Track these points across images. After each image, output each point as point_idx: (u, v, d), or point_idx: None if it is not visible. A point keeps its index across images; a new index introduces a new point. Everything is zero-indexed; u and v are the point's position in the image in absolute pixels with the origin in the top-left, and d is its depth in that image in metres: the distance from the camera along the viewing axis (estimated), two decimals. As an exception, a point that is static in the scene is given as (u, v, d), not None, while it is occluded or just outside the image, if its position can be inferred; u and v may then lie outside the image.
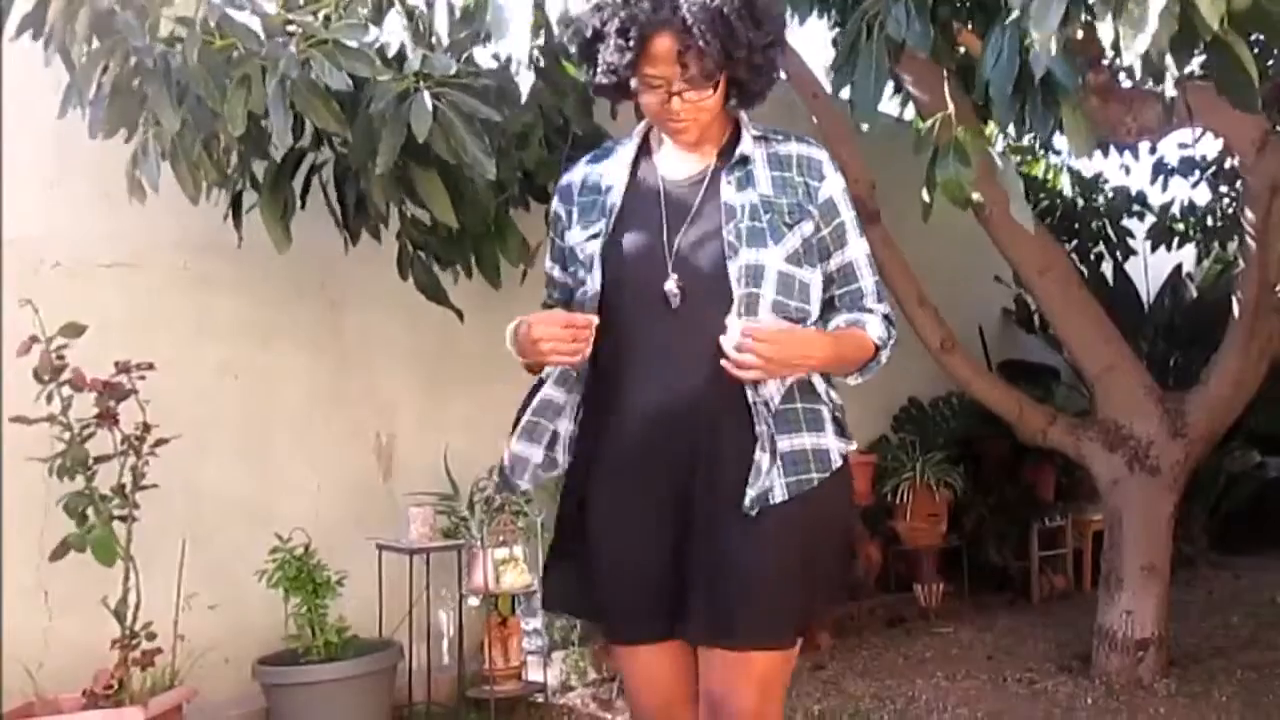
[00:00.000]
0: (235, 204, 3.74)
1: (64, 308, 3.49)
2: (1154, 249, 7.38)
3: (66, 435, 3.42)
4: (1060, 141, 6.36)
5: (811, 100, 4.56)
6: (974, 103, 3.72)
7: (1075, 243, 7.22)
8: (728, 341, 1.96)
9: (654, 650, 2.14)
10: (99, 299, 3.85)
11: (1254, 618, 5.73)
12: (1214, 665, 4.85)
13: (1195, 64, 3.12)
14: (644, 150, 2.20)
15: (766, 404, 2.04)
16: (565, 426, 2.19)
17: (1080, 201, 7.50)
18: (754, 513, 2.02)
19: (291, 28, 2.96)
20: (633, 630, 2.16)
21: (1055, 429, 4.91)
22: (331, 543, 4.09)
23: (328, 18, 3.06)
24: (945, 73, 3.31)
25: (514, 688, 4.38)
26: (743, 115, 2.17)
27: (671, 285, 2.05)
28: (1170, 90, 3.00)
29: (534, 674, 4.52)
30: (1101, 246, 7.32)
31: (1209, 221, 7.46)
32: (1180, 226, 7.44)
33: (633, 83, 2.03)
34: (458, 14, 3.14)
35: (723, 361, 1.96)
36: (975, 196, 3.05)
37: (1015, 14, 2.49)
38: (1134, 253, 7.34)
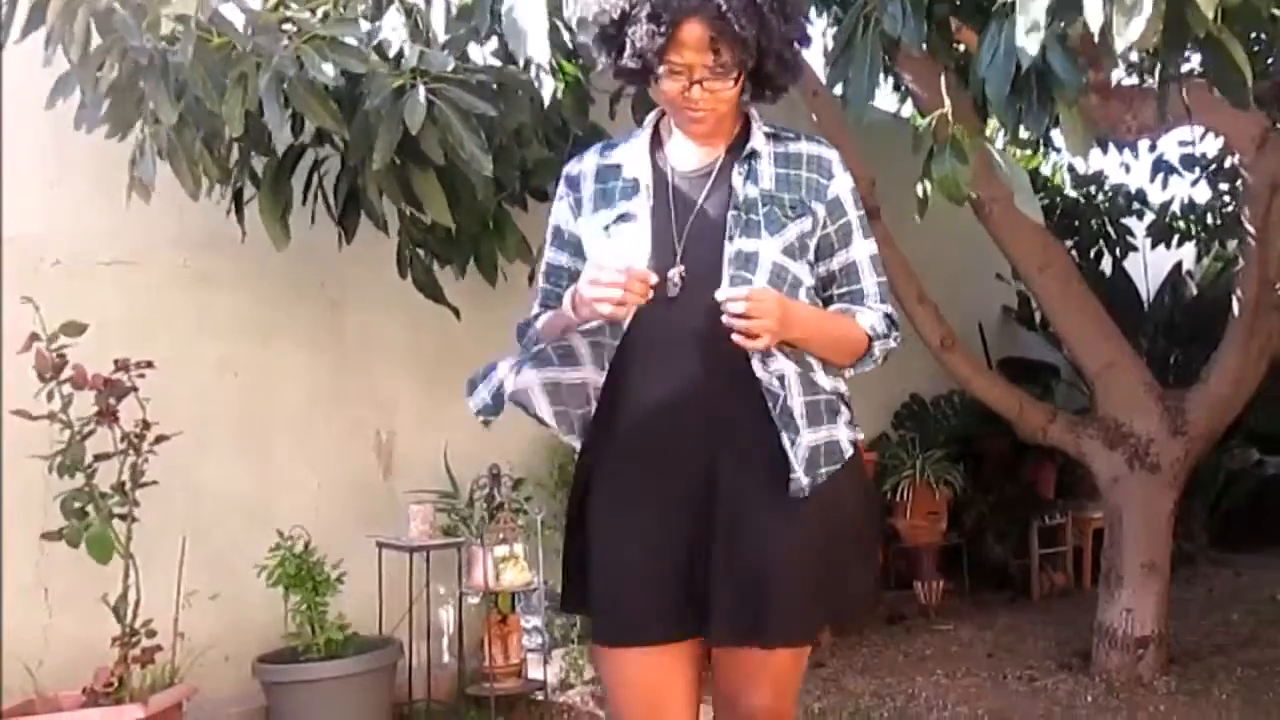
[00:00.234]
0: (237, 200, 3.75)
1: (64, 305, 3.50)
2: (1154, 246, 7.38)
3: (66, 433, 3.43)
4: (1059, 138, 6.36)
5: (811, 98, 4.55)
6: (973, 100, 3.73)
7: (1075, 240, 7.22)
8: (720, 294, 1.96)
9: (655, 653, 2.07)
10: (99, 297, 3.85)
11: (1254, 615, 5.73)
12: (1214, 663, 4.85)
13: (1193, 63, 3.13)
14: (655, 141, 2.19)
15: (781, 379, 2.03)
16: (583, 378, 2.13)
17: (1080, 199, 7.50)
18: (801, 495, 2.02)
19: (287, 25, 2.96)
20: (640, 631, 2.07)
21: (1055, 427, 4.91)
22: (331, 540, 4.09)
23: (326, 14, 3.06)
24: (943, 70, 3.31)
25: (514, 685, 4.38)
26: (753, 111, 2.18)
27: (675, 274, 2.04)
28: (1157, 85, 2.99)
29: (534, 671, 4.52)
30: (1101, 244, 7.32)
31: (1209, 219, 7.46)
32: (1180, 224, 7.44)
33: (661, 69, 2.01)
34: (454, 11, 3.14)
35: (726, 320, 1.94)
36: (972, 195, 3.05)
37: (1006, 3, 2.50)
38: (1134, 250, 7.34)
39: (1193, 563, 6.73)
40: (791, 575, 2.03)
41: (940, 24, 3.06)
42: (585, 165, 2.23)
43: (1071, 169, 7.70)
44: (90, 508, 3.43)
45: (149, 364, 3.55)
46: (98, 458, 3.48)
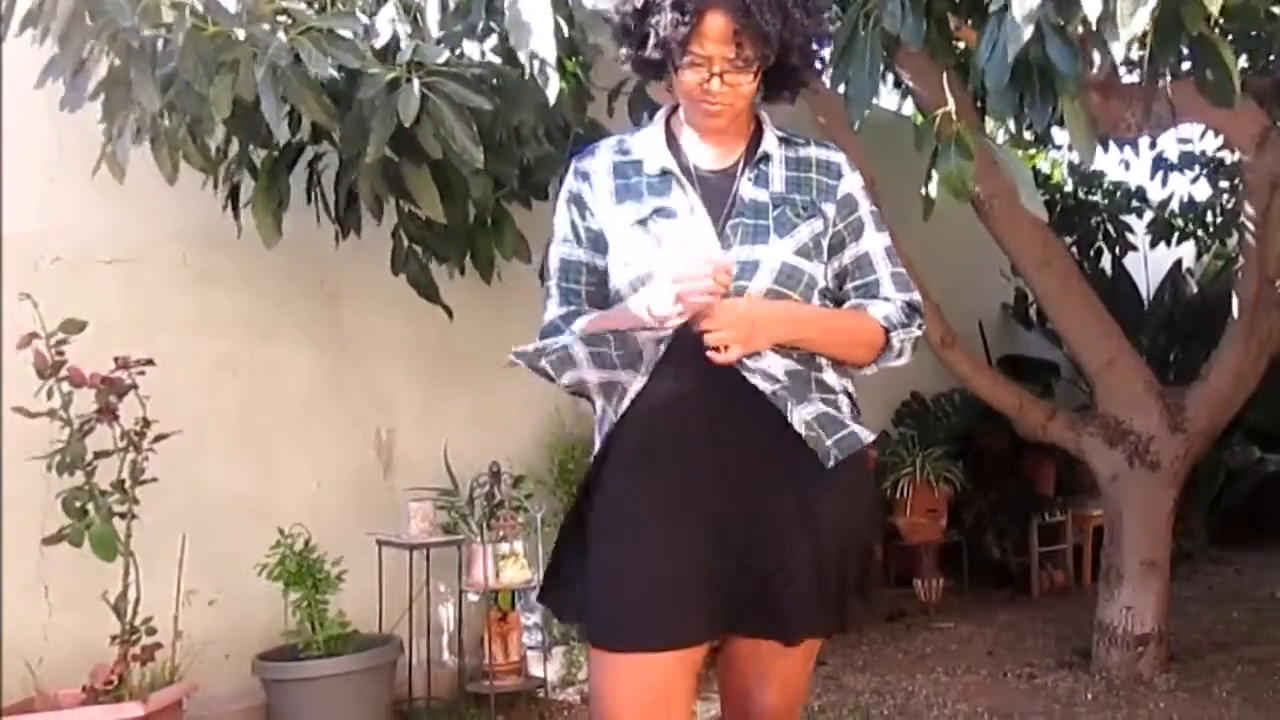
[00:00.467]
0: (233, 195, 3.74)
1: (64, 303, 3.50)
2: (1153, 245, 7.38)
3: (66, 431, 3.43)
4: (1059, 135, 6.36)
5: (813, 96, 4.55)
6: (972, 98, 3.73)
7: (1074, 238, 7.23)
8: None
9: (669, 658, 2.00)
10: (99, 294, 3.85)
11: (1254, 613, 5.73)
12: (1214, 660, 4.85)
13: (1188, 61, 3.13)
14: (669, 138, 2.16)
15: (765, 374, 2.02)
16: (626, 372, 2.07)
17: (1080, 196, 7.50)
18: (831, 464, 2.01)
19: (282, 17, 2.95)
20: (660, 634, 1.99)
21: (1055, 424, 4.91)
22: (331, 538, 4.08)
23: (323, 6, 3.05)
24: (944, 68, 3.31)
25: (514, 683, 4.39)
26: (764, 114, 2.17)
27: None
28: (1144, 83, 2.99)
29: (534, 669, 4.52)
30: (1101, 242, 7.32)
31: (1208, 217, 7.46)
32: (1180, 222, 7.44)
33: (683, 59, 1.99)
34: (451, 6, 3.14)
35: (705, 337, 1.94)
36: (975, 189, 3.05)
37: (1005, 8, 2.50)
38: (1133, 248, 7.34)
39: (1193, 560, 6.74)
40: (809, 571, 2.02)
41: (940, 21, 3.05)
42: (599, 160, 2.18)
43: (1072, 166, 7.70)
44: (90, 506, 3.43)
45: (149, 361, 3.55)
46: (98, 455, 3.48)
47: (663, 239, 2.04)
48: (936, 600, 5.91)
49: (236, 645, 4.01)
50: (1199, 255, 7.93)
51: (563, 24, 2.94)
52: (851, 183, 2.15)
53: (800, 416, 2.01)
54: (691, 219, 2.05)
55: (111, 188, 3.39)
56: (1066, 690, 4.52)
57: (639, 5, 2.01)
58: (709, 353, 1.94)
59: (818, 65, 2.11)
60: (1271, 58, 4.93)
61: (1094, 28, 2.34)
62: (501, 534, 4.31)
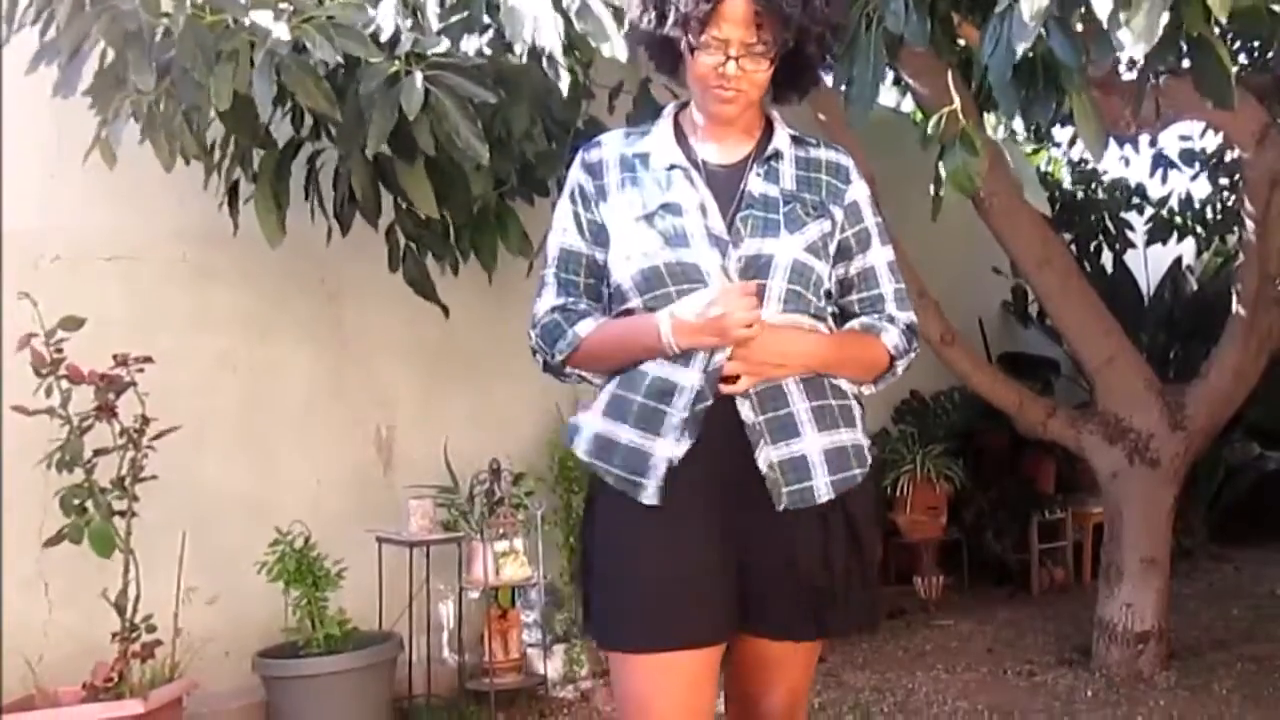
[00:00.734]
0: (232, 193, 3.74)
1: (64, 301, 3.49)
2: (1151, 243, 7.38)
3: (65, 428, 3.42)
4: (1059, 133, 6.36)
5: (815, 93, 4.55)
6: (973, 95, 3.73)
7: (1074, 235, 7.22)
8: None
9: (695, 657, 2.01)
10: (98, 292, 3.85)
11: (1254, 610, 5.73)
12: (1214, 658, 4.86)
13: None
14: (678, 134, 2.15)
15: (746, 396, 2.00)
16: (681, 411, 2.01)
17: (1079, 194, 7.50)
18: (795, 509, 2.00)
19: (285, 5, 2.93)
20: (688, 633, 2.00)
21: (1055, 422, 4.91)
22: (331, 535, 4.08)
23: (322, -1, 3.04)
24: (948, 65, 3.30)
25: (514, 680, 4.39)
26: (775, 113, 2.17)
27: (730, 266, 2.02)
28: (1137, 82, 2.98)
29: (534, 666, 4.52)
30: (1101, 239, 7.32)
31: (1208, 214, 7.46)
32: (1180, 219, 7.44)
33: (702, 37, 1.98)
34: (449, 0, 3.13)
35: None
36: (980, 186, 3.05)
37: (1010, 6, 2.50)
38: (1133, 245, 7.34)
39: (1193, 557, 6.74)
40: (818, 570, 2.03)
41: (943, 20, 3.04)
42: (607, 153, 2.16)
43: (1071, 163, 7.69)
44: (90, 503, 3.43)
45: (148, 359, 3.55)
46: (97, 453, 3.48)
47: (668, 235, 2.03)
48: (936, 597, 5.91)
49: (236, 642, 4.01)
50: (1199, 252, 7.92)
51: (559, 20, 2.92)
52: (859, 190, 2.15)
53: (766, 458, 2.00)
54: (688, 216, 2.04)
55: (111, 185, 3.39)
56: (1066, 687, 4.52)
57: None
58: (720, 385, 1.96)
59: (832, 57, 2.10)
60: (1271, 55, 4.93)
61: (1104, 26, 2.34)
62: (501, 531, 4.31)
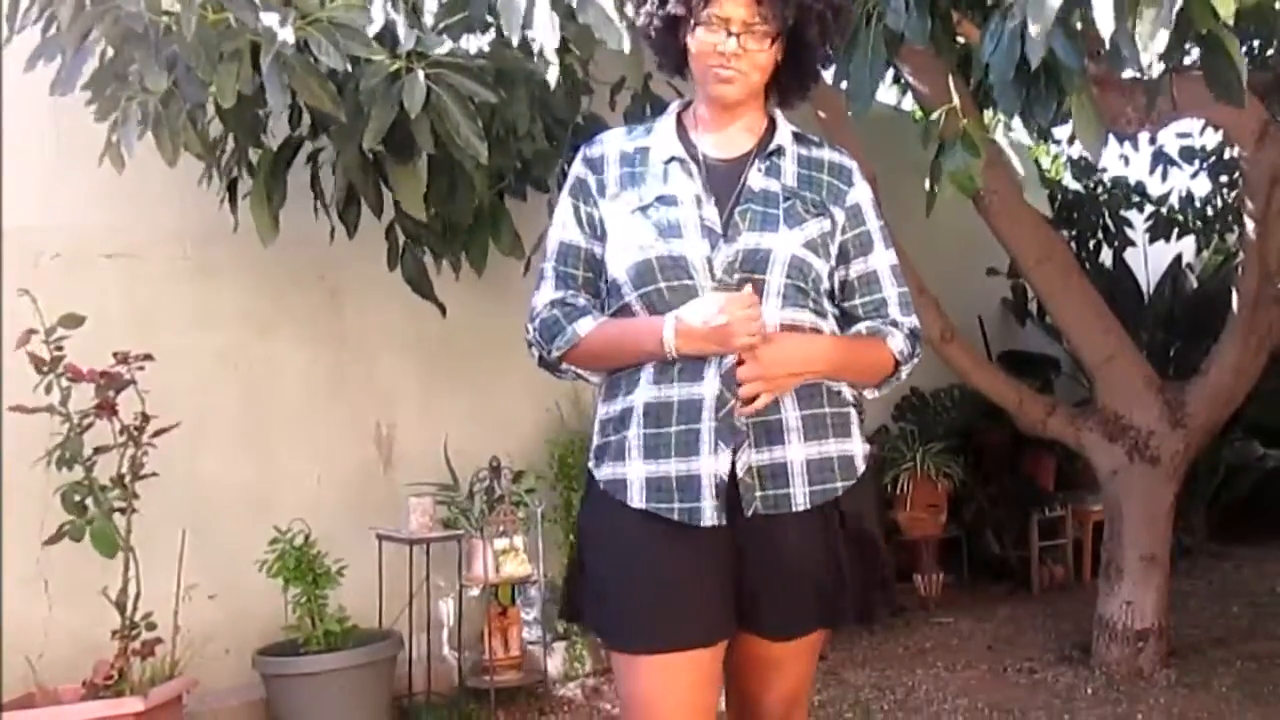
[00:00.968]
0: (231, 190, 3.74)
1: (64, 298, 3.49)
2: (1152, 240, 7.38)
3: (65, 426, 3.42)
4: (1059, 131, 6.36)
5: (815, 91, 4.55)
6: (973, 93, 3.72)
7: (1074, 233, 7.22)
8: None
9: (697, 657, 2.01)
10: (99, 289, 3.86)
11: (1254, 608, 5.73)
12: (1214, 655, 4.85)
13: (1192, 55, 3.12)
14: (680, 131, 2.15)
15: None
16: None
17: (1079, 191, 7.49)
18: (749, 514, 1.99)
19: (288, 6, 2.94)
20: (688, 634, 2.01)
21: (1055, 419, 4.91)
22: (331, 533, 4.09)
23: (325, -1, 3.03)
24: (948, 64, 3.30)
25: (514, 677, 4.39)
26: (778, 112, 2.16)
27: (722, 260, 2.02)
28: (1145, 79, 2.99)
29: (534, 664, 4.52)
30: (1100, 236, 7.31)
31: (1208, 212, 7.45)
32: (1180, 217, 7.43)
33: (704, 12, 1.98)
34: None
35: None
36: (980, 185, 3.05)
37: (1011, 6, 2.49)
38: (1133, 243, 7.33)
39: (1193, 555, 6.74)
40: (814, 567, 2.03)
41: (943, 18, 3.04)
42: (608, 148, 2.17)
43: (1071, 161, 7.69)
44: (90, 501, 3.43)
45: (148, 357, 3.55)
46: (97, 450, 3.48)
47: (661, 226, 2.02)
48: (936, 595, 5.91)
49: (236, 640, 4.01)
50: (1199, 250, 7.91)
51: (554, 18, 2.92)
52: (862, 193, 2.15)
53: (745, 462, 1.99)
54: (681, 208, 2.04)
55: (111, 183, 3.39)
56: (1066, 685, 4.52)
57: None
58: (741, 408, 1.96)
59: (836, 35, 2.09)
60: (1271, 52, 4.93)
61: (1107, 45, 2.34)
62: (501, 529, 4.31)
